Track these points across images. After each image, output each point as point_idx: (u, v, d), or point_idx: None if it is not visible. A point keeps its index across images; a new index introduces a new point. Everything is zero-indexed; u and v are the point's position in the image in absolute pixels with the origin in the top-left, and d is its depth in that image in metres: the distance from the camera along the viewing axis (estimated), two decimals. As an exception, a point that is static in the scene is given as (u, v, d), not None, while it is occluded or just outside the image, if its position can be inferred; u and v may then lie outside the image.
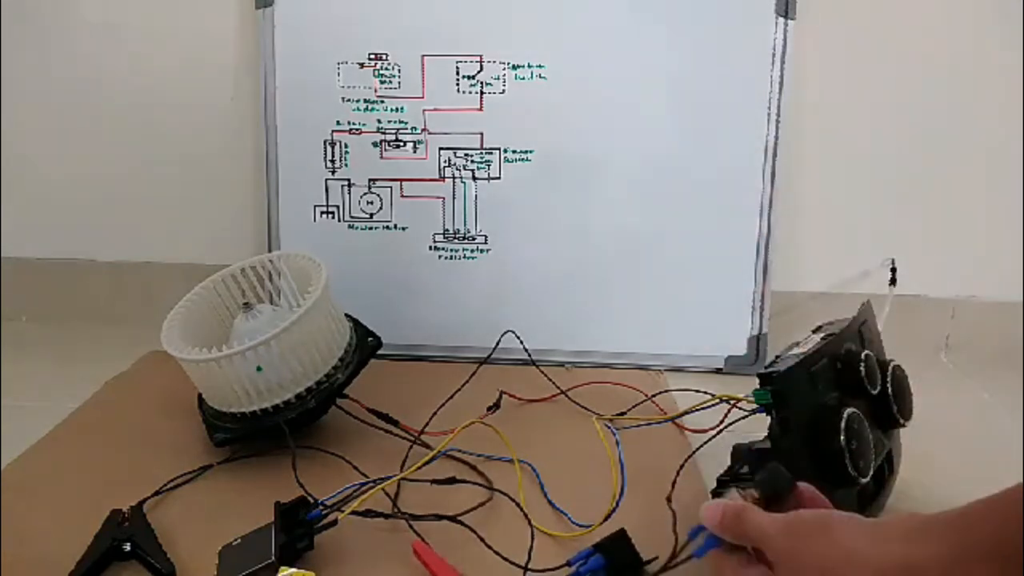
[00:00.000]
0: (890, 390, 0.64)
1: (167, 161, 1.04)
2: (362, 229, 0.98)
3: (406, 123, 0.96)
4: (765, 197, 0.95)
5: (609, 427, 0.77)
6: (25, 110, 1.04)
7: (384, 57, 0.95)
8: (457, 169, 0.97)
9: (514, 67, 0.94)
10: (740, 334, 0.98)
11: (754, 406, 0.59)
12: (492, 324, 0.91)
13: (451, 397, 0.80)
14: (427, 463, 0.69)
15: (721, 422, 0.66)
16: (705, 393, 0.81)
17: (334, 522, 0.60)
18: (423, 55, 0.95)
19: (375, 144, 0.97)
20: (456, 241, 0.98)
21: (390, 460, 0.72)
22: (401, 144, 0.96)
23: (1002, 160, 0.99)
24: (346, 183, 0.98)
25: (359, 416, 0.76)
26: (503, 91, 0.95)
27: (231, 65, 1.00)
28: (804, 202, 1.00)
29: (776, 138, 0.94)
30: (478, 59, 0.94)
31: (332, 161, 0.97)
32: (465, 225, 0.98)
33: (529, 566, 0.57)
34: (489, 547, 0.59)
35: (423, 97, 0.96)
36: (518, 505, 0.66)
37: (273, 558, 0.56)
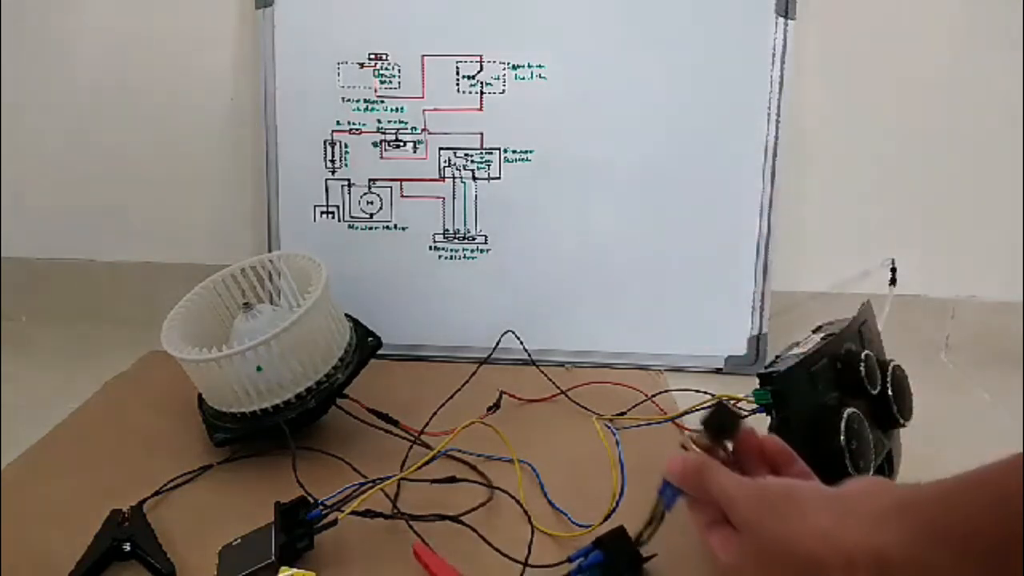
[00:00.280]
0: (890, 390, 0.64)
1: (167, 161, 1.04)
2: (362, 229, 0.98)
3: (406, 123, 0.96)
4: (765, 197, 0.95)
5: (609, 427, 0.77)
6: (25, 110, 1.04)
7: (384, 57, 0.95)
8: (457, 169, 0.97)
9: (514, 67, 0.94)
10: (740, 334, 0.98)
11: (754, 406, 0.59)
12: (492, 324, 0.91)
13: (451, 397, 0.80)
14: (427, 463, 0.69)
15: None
16: (705, 393, 0.81)
17: (334, 522, 0.60)
18: (423, 55, 0.95)
19: (375, 144, 0.97)
20: (456, 241, 0.98)
21: (390, 460, 0.72)
22: (401, 144, 0.97)
23: (1002, 160, 0.99)
24: (346, 183, 0.98)
25: (359, 416, 0.76)
26: (503, 91, 0.95)
27: (231, 65, 1.00)
28: (804, 202, 1.00)
29: (776, 138, 0.94)
30: (478, 59, 0.94)
31: (332, 161, 0.97)
32: (465, 225, 0.98)
33: (531, 564, 0.57)
34: (489, 544, 0.59)
35: (423, 97, 0.96)
36: (519, 504, 0.66)
37: (273, 558, 0.57)
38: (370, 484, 0.66)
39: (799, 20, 0.92)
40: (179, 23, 1.00)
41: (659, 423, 0.79)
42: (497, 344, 0.90)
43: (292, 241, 0.98)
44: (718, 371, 0.97)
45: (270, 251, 0.97)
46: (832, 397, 0.61)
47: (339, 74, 0.96)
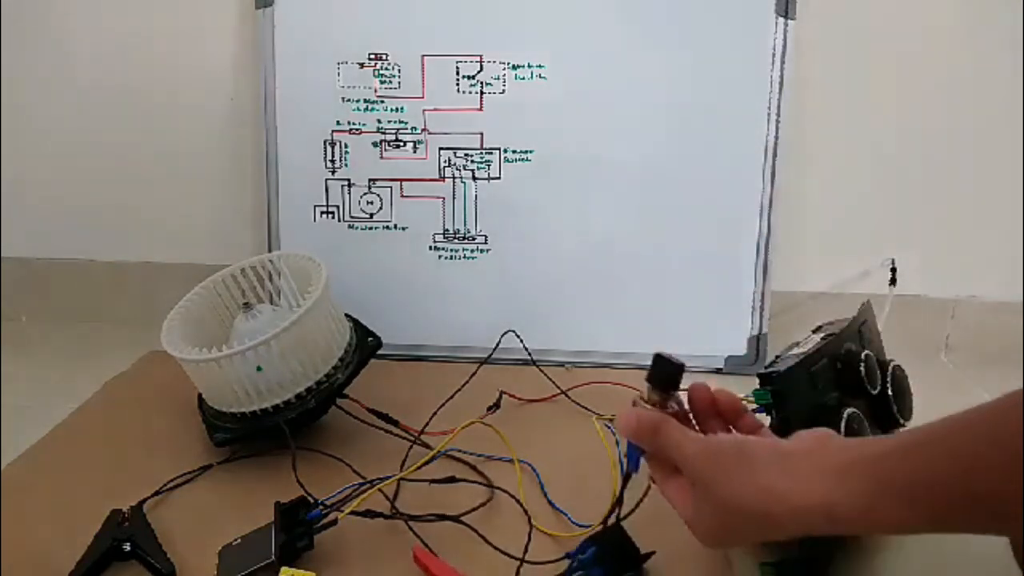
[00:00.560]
0: (890, 390, 0.64)
1: (167, 161, 1.04)
2: (362, 229, 0.98)
3: (406, 123, 0.96)
4: (765, 197, 0.95)
5: (609, 427, 0.77)
6: (25, 111, 1.04)
7: (384, 57, 0.95)
8: (457, 169, 0.97)
9: (514, 67, 0.94)
10: (740, 334, 0.98)
11: (754, 406, 0.59)
12: (492, 324, 0.91)
13: (451, 397, 0.80)
14: (427, 463, 0.69)
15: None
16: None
17: (334, 522, 0.60)
18: (423, 55, 0.95)
19: (375, 144, 0.97)
20: (456, 241, 0.98)
21: (390, 460, 0.72)
22: (401, 144, 0.97)
23: (1002, 160, 0.99)
24: (346, 183, 0.98)
25: (359, 416, 0.76)
26: (503, 91, 0.95)
27: (231, 65, 1.00)
28: (804, 202, 1.00)
29: (776, 138, 0.94)
30: (478, 59, 0.94)
31: (332, 161, 0.97)
32: (465, 225, 0.98)
33: (529, 561, 0.57)
34: (489, 543, 0.59)
35: (423, 97, 0.96)
36: (519, 503, 0.66)
37: (273, 558, 0.57)
38: (369, 484, 0.66)
39: (799, 20, 0.92)
40: (179, 23, 1.00)
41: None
42: (497, 344, 0.90)
43: (292, 241, 0.98)
44: (718, 371, 0.97)
45: (270, 251, 0.97)
46: (832, 397, 0.61)
47: (339, 74, 0.96)
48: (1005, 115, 0.97)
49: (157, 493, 0.68)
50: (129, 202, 1.06)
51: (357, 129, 0.96)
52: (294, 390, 0.72)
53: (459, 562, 0.58)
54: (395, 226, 0.98)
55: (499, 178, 0.96)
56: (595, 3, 0.93)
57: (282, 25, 0.96)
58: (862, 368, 0.62)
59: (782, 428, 0.57)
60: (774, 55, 0.93)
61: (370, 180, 0.97)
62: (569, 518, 0.65)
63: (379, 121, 0.96)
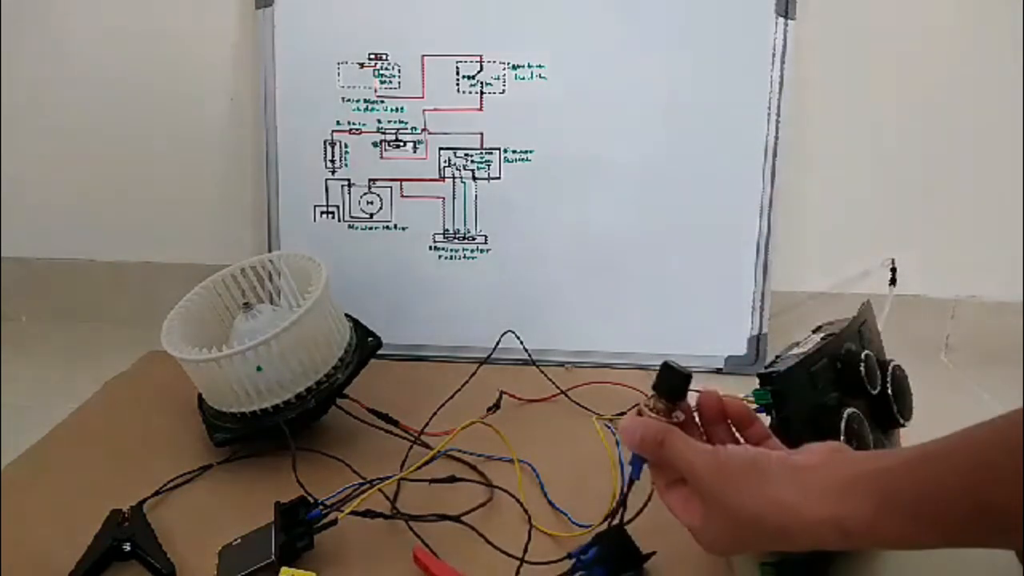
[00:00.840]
0: (890, 390, 0.64)
1: (167, 161, 1.04)
2: (362, 229, 0.98)
3: (406, 123, 0.96)
4: (765, 197, 0.95)
5: (609, 427, 0.77)
6: (25, 110, 1.04)
7: (384, 57, 0.95)
8: (457, 169, 0.97)
9: (514, 67, 0.95)
10: (740, 334, 0.98)
11: (754, 406, 0.59)
12: (492, 324, 0.91)
13: (451, 397, 0.80)
14: (427, 463, 0.69)
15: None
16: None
17: (334, 522, 0.60)
18: (423, 55, 0.95)
19: (375, 144, 0.97)
20: (456, 241, 0.98)
21: (390, 460, 0.72)
22: (401, 144, 0.97)
23: (1002, 160, 0.99)
24: (346, 183, 0.98)
25: (359, 416, 0.76)
26: (503, 91, 0.95)
27: (231, 65, 1.00)
28: (804, 202, 1.00)
29: (776, 138, 0.94)
30: (478, 59, 0.94)
31: (332, 161, 0.97)
32: (465, 225, 0.98)
33: (529, 561, 0.57)
34: (489, 543, 0.59)
35: (423, 97, 0.96)
36: (519, 503, 0.66)
37: (273, 558, 0.57)
38: (369, 484, 0.66)
39: (799, 20, 0.93)
40: (179, 23, 1.00)
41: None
42: (497, 344, 0.90)
43: (292, 241, 0.98)
44: (718, 371, 0.97)
45: (270, 251, 0.97)
46: (832, 397, 0.61)
47: (339, 74, 0.96)
48: (1005, 115, 0.97)
49: (157, 493, 0.68)
50: (129, 202, 1.06)
51: (357, 129, 0.96)
52: (294, 390, 0.72)
53: (459, 562, 0.58)
54: (395, 226, 0.98)
55: (499, 178, 0.97)
56: (595, 3, 0.93)
57: (282, 25, 0.96)
58: (862, 368, 0.62)
59: (782, 428, 0.57)
60: (774, 55, 0.93)
61: (370, 180, 0.97)
62: (569, 518, 0.65)
63: (379, 121, 0.96)
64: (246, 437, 0.73)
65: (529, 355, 0.92)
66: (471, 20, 0.94)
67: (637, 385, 0.87)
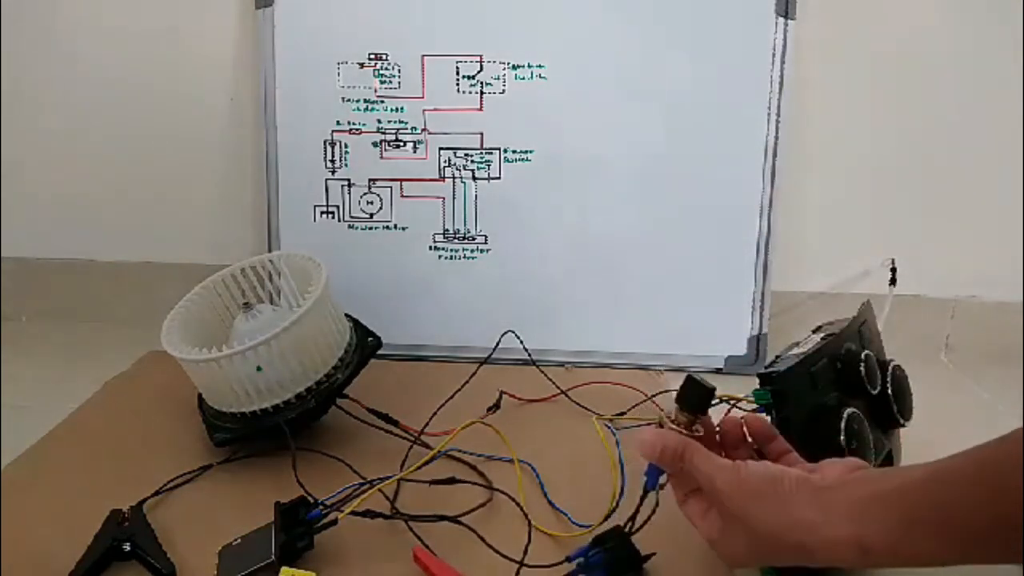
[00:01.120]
0: (890, 390, 0.64)
1: (167, 161, 1.04)
2: (362, 229, 0.98)
3: (406, 123, 0.96)
4: (765, 197, 0.95)
5: (609, 427, 0.77)
6: (25, 110, 1.04)
7: (384, 57, 0.95)
8: (457, 169, 0.97)
9: (514, 67, 0.95)
10: (740, 334, 0.98)
11: (754, 406, 0.59)
12: (492, 324, 0.91)
13: (451, 397, 0.80)
14: (427, 463, 0.69)
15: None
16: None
17: (334, 522, 0.60)
18: (423, 55, 0.95)
19: (375, 144, 0.97)
20: (456, 241, 0.98)
21: (390, 460, 0.71)
22: (401, 144, 0.97)
23: (1002, 160, 0.99)
24: (346, 183, 0.98)
25: (359, 416, 0.76)
26: (503, 91, 0.95)
27: (231, 65, 1.00)
28: (804, 202, 1.00)
29: (776, 138, 0.94)
30: (478, 59, 0.94)
31: (332, 161, 0.97)
32: (465, 225, 0.98)
33: (528, 563, 0.57)
34: (489, 545, 0.59)
35: (423, 97, 0.96)
36: (518, 505, 0.66)
37: (273, 558, 0.57)
38: (369, 484, 0.66)
39: (799, 20, 0.92)
40: (179, 23, 1.00)
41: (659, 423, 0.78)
42: (497, 344, 0.90)
43: (292, 241, 0.98)
44: (718, 371, 0.97)
45: (270, 251, 0.97)
46: (832, 397, 0.61)
47: (339, 74, 0.96)
48: (1005, 115, 0.97)
49: (157, 493, 0.68)
50: (129, 202, 1.06)
51: (357, 129, 0.96)
52: (294, 390, 0.72)
53: (459, 562, 0.58)
54: (395, 226, 0.98)
55: (499, 178, 0.97)
56: (595, 3, 0.93)
57: (282, 25, 0.96)
58: (862, 368, 0.62)
59: (782, 428, 0.57)
60: (774, 55, 0.93)
61: (370, 180, 0.97)
62: (569, 518, 0.65)
63: (379, 121, 0.96)
64: (246, 437, 0.73)
65: (529, 355, 0.92)
66: (471, 20, 0.94)
67: (637, 385, 0.87)
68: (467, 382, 0.82)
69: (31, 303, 1.08)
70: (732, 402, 0.65)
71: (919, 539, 0.41)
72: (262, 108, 0.97)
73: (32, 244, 1.07)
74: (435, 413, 0.77)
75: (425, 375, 0.92)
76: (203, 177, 1.05)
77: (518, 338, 0.90)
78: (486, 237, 0.98)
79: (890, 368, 0.65)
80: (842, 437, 0.57)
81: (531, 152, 0.96)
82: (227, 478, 0.72)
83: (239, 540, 0.59)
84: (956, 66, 0.97)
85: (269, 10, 0.95)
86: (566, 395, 0.85)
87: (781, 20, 0.92)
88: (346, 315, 0.81)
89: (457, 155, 0.96)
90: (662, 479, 0.54)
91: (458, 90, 0.95)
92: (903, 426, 0.66)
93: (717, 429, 0.54)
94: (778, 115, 0.94)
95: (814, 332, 0.67)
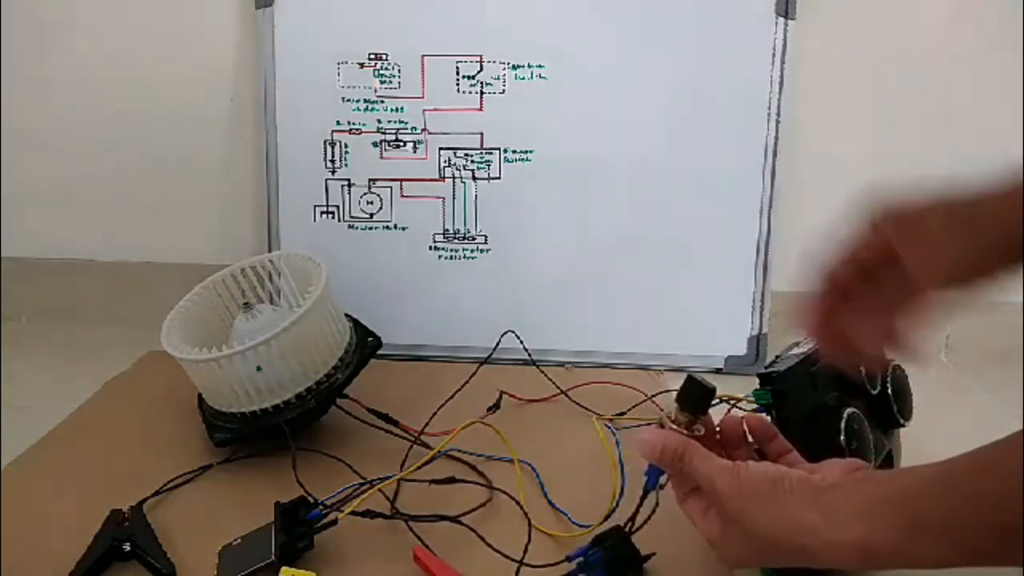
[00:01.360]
0: (890, 390, 0.64)
1: (167, 161, 1.04)
2: (362, 229, 0.98)
3: (406, 123, 0.96)
4: (765, 197, 0.95)
5: (609, 427, 0.77)
6: (25, 110, 1.04)
7: (384, 57, 0.95)
8: (457, 169, 0.97)
9: (514, 67, 0.95)
10: (740, 334, 0.98)
11: (754, 406, 0.59)
12: (492, 324, 0.91)
13: (451, 397, 0.80)
14: (427, 463, 0.69)
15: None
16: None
17: (334, 522, 0.60)
18: (423, 55, 0.95)
19: (375, 144, 0.97)
20: (456, 241, 0.98)
21: (390, 460, 0.71)
22: (401, 144, 0.97)
23: (1002, 160, 0.99)
24: (346, 183, 0.98)
25: (359, 416, 0.76)
26: (503, 91, 0.95)
27: (231, 65, 1.00)
28: (804, 202, 1.00)
29: (776, 138, 0.94)
30: (478, 59, 0.94)
31: (332, 161, 0.97)
32: (465, 225, 0.98)
33: (528, 563, 0.57)
34: (489, 545, 0.59)
35: (423, 97, 0.96)
36: (518, 504, 0.66)
37: (273, 558, 0.56)
38: (369, 484, 0.66)
39: (799, 20, 0.93)
40: (179, 23, 1.00)
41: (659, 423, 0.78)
42: (497, 344, 0.90)
43: (292, 241, 0.98)
44: (718, 371, 0.97)
45: (270, 251, 0.97)
46: (832, 397, 0.61)
47: (339, 74, 0.96)
48: (1005, 115, 0.97)
49: (157, 493, 0.68)
50: (129, 202, 1.06)
51: (357, 129, 0.96)
52: (294, 390, 0.72)
53: (459, 562, 0.58)
54: (395, 226, 0.98)
55: (499, 178, 0.97)
56: (595, 3, 0.93)
57: (282, 25, 0.96)
58: (862, 368, 0.62)
59: (782, 428, 0.57)
60: (774, 55, 0.93)
61: (370, 180, 0.97)
62: (569, 518, 0.65)
63: (379, 121, 0.96)
64: (246, 437, 0.73)
65: (529, 355, 0.92)
66: (471, 20, 0.94)
67: (637, 385, 0.87)
68: (467, 382, 0.82)
69: (31, 303, 1.08)
70: (732, 402, 0.65)
71: (923, 542, 0.40)
72: (262, 108, 0.97)
73: (32, 244, 1.07)
74: (435, 413, 0.77)
75: (425, 375, 0.92)
76: (203, 177, 1.05)
77: (518, 338, 0.90)
78: (486, 237, 0.98)
79: (890, 368, 0.65)
80: (842, 437, 0.57)
81: (531, 152, 0.96)
82: (227, 478, 0.72)
83: (239, 540, 0.59)
84: (956, 66, 0.97)
85: (269, 10, 0.95)
86: (566, 395, 0.85)
87: (781, 20, 0.93)
88: (346, 315, 0.81)
89: (457, 155, 0.96)
90: (662, 479, 0.54)
91: (458, 90, 0.95)
92: (903, 426, 0.66)
93: (717, 429, 0.54)
94: (778, 115, 0.94)
95: (814, 332, 0.67)
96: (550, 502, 0.68)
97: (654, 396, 0.85)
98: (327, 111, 0.96)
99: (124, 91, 1.02)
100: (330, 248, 0.95)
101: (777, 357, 0.63)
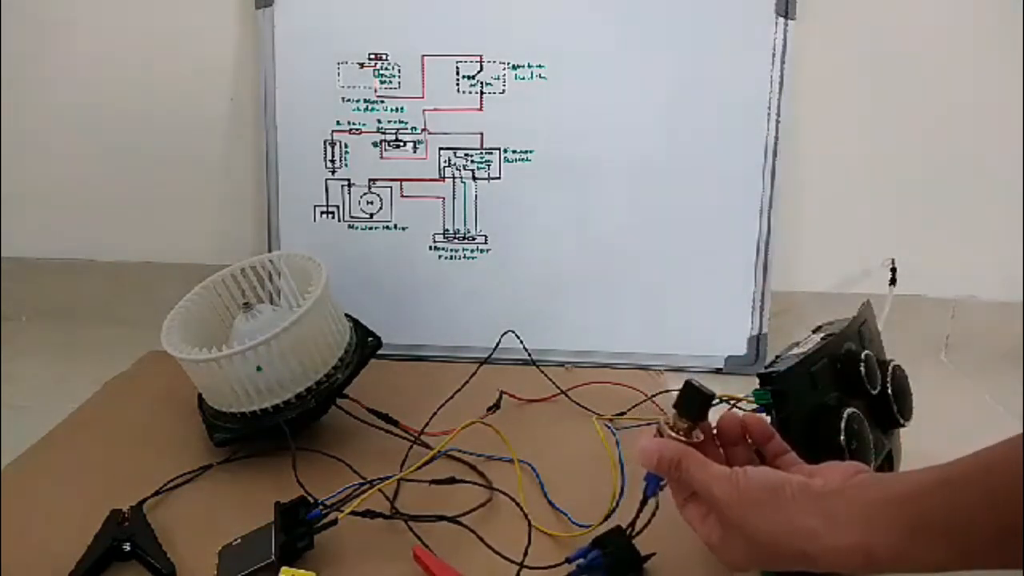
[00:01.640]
0: (890, 390, 0.64)
1: (167, 161, 1.04)
2: (362, 229, 0.98)
3: (406, 123, 0.96)
4: (765, 197, 0.95)
5: (609, 427, 0.77)
6: (25, 110, 1.04)
7: (384, 57, 0.95)
8: (457, 169, 0.97)
9: (514, 67, 0.95)
10: (740, 334, 0.98)
11: (754, 406, 0.59)
12: (492, 324, 0.91)
13: (451, 397, 0.80)
14: (427, 463, 0.69)
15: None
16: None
17: (334, 522, 0.60)
18: (423, 55, 0.95)
19: (375, 144, 0.97)
20: (456, 241, 0.98)
21: (390, 460, 0.71)
22: (401, 144, 0.97)
23: (1002, 160, 0.99)
24: (346, 183, 0.98)
25: (359, 416, 0.76)
26: (503, 91, 0.95)
27: (231, 65, 1.00)
28: (804, 202, 1.00)
29: (776, 138, 0.94)
30: (478, 59, 0.94)
31: (332, 161, 0.97)
32: (465, 225, 0.98)
33: (528, 564, 0.57)
34: (489, 546, 0.59)
35: (423, 97, 0.96)
36: (518, 505, 0.66)
37: (273, 558, 0.57)
38: (369, 484, 0.66)
39: (799, 20, 0.92)
40: (179, 23, 1.00)
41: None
42: (497, 344, 0.90)
43: (292, 241, 0.98)
44: (718, 371, 0.97)
45: (270, 251, 0.97)
46: (832, 397, 0.61)
47: (339, 74, 0.96)
48: (1005, 115, 0.97)
49: (157, 493, 0.68)
50: (129, 202, 1.06)
51: (357, 129, 0.96)
52: (294, 390, 0.72)
53: (459, 562, 0.58)
54: (395, 226, 0.98)
55: (499, 178, 0.97)
56: (595, 3, 0.93)
57: (282, 25, 0.96)
58: (862, 368, 0.62)
59: (782, 428, 0.57)
60: (774, 55, 0.93)
61: (370, 180, 0.97)
62: (569, 518, 0.65)
63: (379, 121, 0.96)
64: (246, 437, 0.73)
65: (529, 355, 0.92)
66: (471, 20, 0.94)
67: (637, 385, 0.87)
68: (467, 382, 0.82)
69: (31, 303, 1.08)
70: (732, 402, 0.65)
71: (926, 546, 0.40)
72: (262, 108, 0.97)
73: (32, 244, 1.07)
74: (435, 413, 0.77)
75: (425, 375, 0.92)
76: (203, 177, 1.05)
77: (518, 338, 0.90)
78: (486, 237, 0.98)
79: (890, 368, 0.65)
80: (842, 437, 0.57)
81: (531, 152, 0.96)
82: (227, 478, 0.72)
83: (239, 540, 0.59)
84: (956, 65, 0.97)
85: (269, 10, 0.95)
86: (566, 395, 0.85)
87: (781, 20, 0.92)
88: (346, 315, 0.81)
89: (457, 155, 0.96)
90: (661, 482, 0.54)
91: (458, 90, 0.95)
92: (903, 426, 0.66)
93: (714, 429, 0.54)
94: (778, 115, 0.94)
95: (814, 332, 0.67)
96: (550, 502, 0.68)
97: (654, 396, 0.85)
98: (327, 111, 0.96)
99: (124, 91, 1.02)
100: (330, 248, 0.95)
101: (777, 357, 0.63)
